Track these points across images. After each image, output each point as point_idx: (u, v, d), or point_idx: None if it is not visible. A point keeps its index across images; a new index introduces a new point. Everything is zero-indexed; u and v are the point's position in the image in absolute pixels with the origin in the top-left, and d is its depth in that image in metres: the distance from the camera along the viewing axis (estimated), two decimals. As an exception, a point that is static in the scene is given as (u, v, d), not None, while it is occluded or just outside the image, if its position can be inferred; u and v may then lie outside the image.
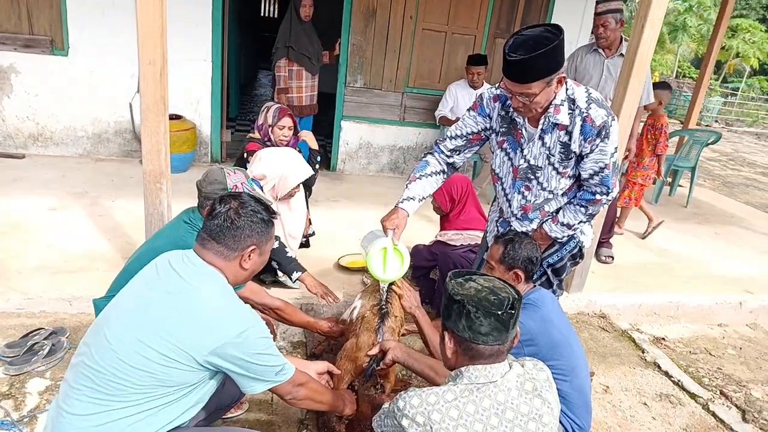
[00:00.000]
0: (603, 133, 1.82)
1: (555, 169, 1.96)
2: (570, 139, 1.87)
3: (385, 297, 2.09)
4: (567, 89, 1.85)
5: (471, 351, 1.28)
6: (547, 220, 2.10)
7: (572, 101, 1.84)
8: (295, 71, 4.41)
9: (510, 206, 2.15)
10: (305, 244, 3.32)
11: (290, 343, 2.59)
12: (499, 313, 1.26)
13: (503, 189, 2.14)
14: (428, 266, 2.95)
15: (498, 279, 1.40)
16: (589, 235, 2.18)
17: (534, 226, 2.13)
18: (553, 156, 1.93)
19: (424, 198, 2.10)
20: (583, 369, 1.86)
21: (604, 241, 3.84)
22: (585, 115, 1.82)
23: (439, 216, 2.98)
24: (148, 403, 1.31)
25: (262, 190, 2.64)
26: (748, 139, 15.11)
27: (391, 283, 2.05)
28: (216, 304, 1.34)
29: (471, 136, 2.08)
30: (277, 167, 2.74)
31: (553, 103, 1.83)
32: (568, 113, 1.84)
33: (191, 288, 1.34)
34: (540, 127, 1.91)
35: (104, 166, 4.52)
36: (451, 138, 2.11)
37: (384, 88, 5.18)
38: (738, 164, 10.27)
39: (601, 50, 3.55)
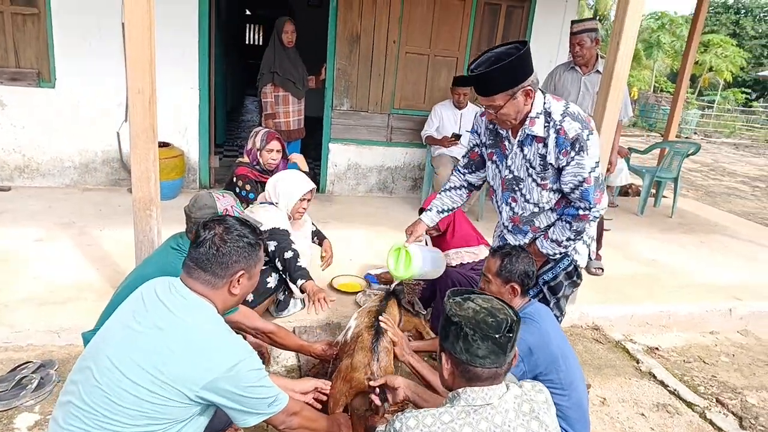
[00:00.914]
0: (577, 146, 1.86)
1: (534, 180, 2.02)
2: (547, 151, 1.93)
3: (378, 316, 2.09)
4: (545, 102, 1.91)
5: (468, 373, 1.27)
6: (539, 236, 2.14)
7: (548, 114, 1.90)
8: (281, 96, 4.47)
9: (501, 217, 2.24)
10: None
11: (284, 367, 2.56)
12: (497, 336, 1.25)
13: (496, 201, 2.24)
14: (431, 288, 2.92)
15: (497, 299, 1.38)
16: (584, 255, 2.19)
17: (527, 240, 2.17)
18: (533, 168, 1.99)
19: (442, 210, 2.34)
20: (581, 383, 1.86)
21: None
22: (558, 127, 1.88)
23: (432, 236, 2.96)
24: None
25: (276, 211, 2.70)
26: (726, 149, 15.48)
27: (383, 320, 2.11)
28: (206, 337, 1.30)
29: (470, 154, 2.26)
30: (278, 185, 2.78)
31: (529, 115, 1.90)
32: (544, 125, 1.90)
33: (179, 321, 1.30)
34: (518, 138, 1.99)
35: (92, 196, 4.50)
36: (462, 157, 2.34)
37: (370, 110, 5.26)
38: (719, 174, 10.49)
39: (578, 68, 3.66)
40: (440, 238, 2.90)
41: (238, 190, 3.05)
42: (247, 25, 13.90)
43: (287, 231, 2.63)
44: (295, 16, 5.39)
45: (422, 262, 2.21)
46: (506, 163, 2.08)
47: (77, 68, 4.42)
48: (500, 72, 1.78)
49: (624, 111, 3.65)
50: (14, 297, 2.76)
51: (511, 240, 2.21)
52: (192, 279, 1.38)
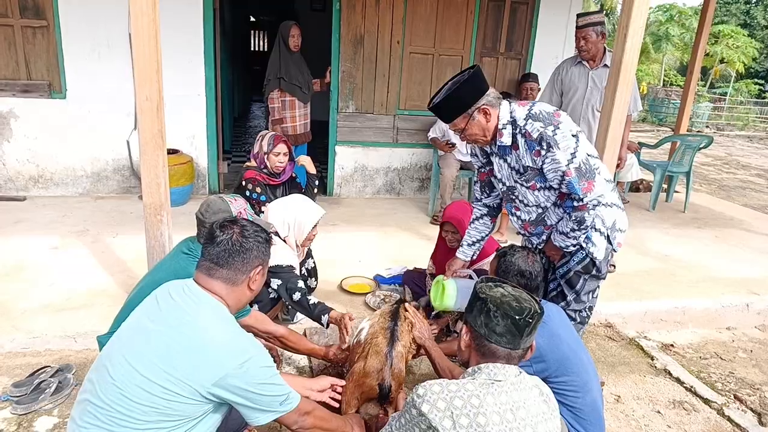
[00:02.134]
0: (544, 144, 1.93)
1: (522, 185, 2.11)
2: (521, 156, 2.02)
3: (396, 321, 2.09)
4: (511, 111, 2.00)
5: (483, 348, 1.34)
6: (552, 231, 2.18)
7: (513, 122, 1.99)
8: (288, 101, 4.49)
9: (516, 227, 2.34)
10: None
11: (295, 368, 2.58)
12: (517, 317, 1.32)
13: (509, 212, 2.32)
14: None
15: (527, 292, 1.44)
16: (600, 247, 2.16)
17: (545, 238, 2.23)
18: (518, 173, 2.08)
19: (473, 243, 2.40)
20: (595, 383, 1.85)
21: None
22: (524, 131, 1.96)
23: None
24: None
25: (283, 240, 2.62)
26: (740, 142, 15.25)
27: (403, 308, 2.21)
28: (217, 335, 1.33)
29: (479, 175, 2.35)
30: (287, 216, 2.67)
31: (497, 127, 2.00)
32: (512, 134, 1.99)
33: (192, 320, 1.34)
34: (494, 152, 2.11)
35: (104, 204, 4.56)
36: (474, 184, 2.48)
37: (376, 111, 5.27)
38: (733, 167, 10.34)
39: (585, 62, 3.62)
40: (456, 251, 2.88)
41: (248, 193, 3.07)
42: (252, 32, 13.99)
43: (291, 266, 2.52)
44: (299, 21, 5.39)
45: (455, 299, 2.25)
46: (497, 176, 2.18)
47: (87, 79, 4.49)
48: (452, 99, 1.94)
49: (633, 105, 3.61)
50: (32, 304, 2.81)
51: (535, 241, 2.28)
52: (209, 277, 1.41)
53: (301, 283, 2.46)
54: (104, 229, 3.94)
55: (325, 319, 2.33)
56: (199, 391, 1.29)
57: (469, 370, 1.37)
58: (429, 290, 2.50)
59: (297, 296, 2.42)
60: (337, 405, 1.87)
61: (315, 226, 2.71)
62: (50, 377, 2.23)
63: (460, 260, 2.41)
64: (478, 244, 2.41)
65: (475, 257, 2.47)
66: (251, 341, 1.39)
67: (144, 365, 1.29)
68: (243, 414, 1.39)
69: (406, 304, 2.25)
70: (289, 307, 2.74)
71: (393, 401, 1.96)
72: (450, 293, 2.23)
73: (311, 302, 2.39)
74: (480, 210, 2.40)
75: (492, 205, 2.39)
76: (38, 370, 2.30)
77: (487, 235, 2.42)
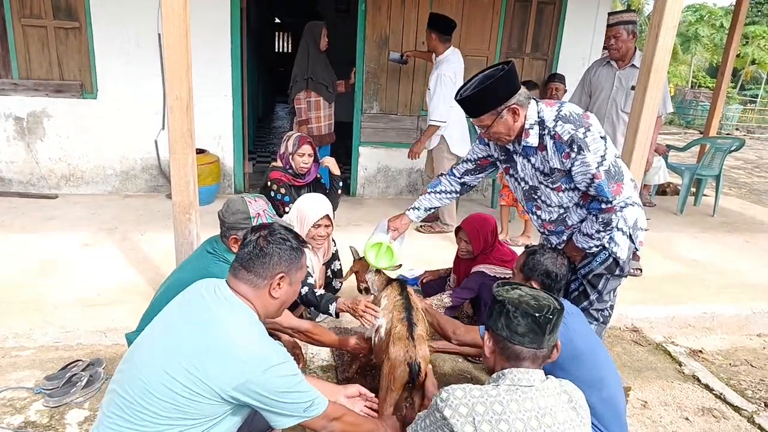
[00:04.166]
0: (575, 146, 1.89)
1: (547, 186, 2.08)
2: (549, 157, 1.98)
3: (410, 311, 2.13)
4: (539, 111, 1.96)
5: (507, 350, 1.32)
6: (574, 232, 2.16)
7: (542, 122, 1.95)
8: (313, 102, 4.52)
9: (535, 225, 2.32)
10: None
11: (320, 368, 2.60)
12: (537, 315, 1.30)
13: (529, 211, 2.29)
14: (468, 297, 2.86)
15: (545, 291, 1.44)
16: (624, 247, 2.13)
17: (565, 238, 2.21)
18: (543, 175, 2.05)
19: (428, 209, 2.47)
20: (613, 380, 1.82)
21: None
22: (553, 132, 1.93)
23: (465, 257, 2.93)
24: None
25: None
26: (772, 145, 14.77)
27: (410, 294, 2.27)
28: (243, 339, 1.33)
29: (479, 161, 2.34)
30: (291, 211, 2.72)
31: (524, 127, 1.97)
32: (540, 134, 1.96)
33: (219, 321, 1.34)
34: (519, 151, 2.07)
35: (132, 202, 4.67)
36: (464, 162, 2.40)
37: (399, 112, 5.27)
38: (764, 171, 10.03)
39: (613, 62, 3.57)
40: (470, 261, 2.88)
41: (273, 194, 3.10)
42: (276, 33, 14.15)
43: None
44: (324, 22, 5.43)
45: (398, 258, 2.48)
46: (520, 175, 2.16)
47: (117, 79, 4.60)
48: (483, 94, 1.89)
49: (663, 106, 3.54)
50: (64, 299, 2.90)
51: (554, 240, 2.26)
52: (236, 279, 1.43)
53: (309, 279, 2.46)
54: (133, 227, 4.03)
55: (332, 307, 2.33)
56: (220, 394, 1.30)
57: (494, 375, 1.35)
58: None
59: (303, 290, 2.40)
60: (376, 415, 1.84)
61: (319, 225, 2.66)
62: (81, 371, 2.29)
63: (409, 220, 2.47)
64: (431, 212, 2.51)
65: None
66: (276, 349, 1.38)
67: (169, 362, 1.30)
68: (265, 417, 1.39)
69: (410, 290, 2.28)
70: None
71: (421, 386, 1.97)
72: (395, 258, 2.44)
73: (318, 295, 2.40)
74: (453, 185, 2.42)
75: (469, 184, 2.42)
76: (70, 364, 2.36)
77: (436, 207, 2.49)
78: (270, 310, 1.46)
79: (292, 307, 2.61)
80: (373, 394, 1.89)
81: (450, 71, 4.05)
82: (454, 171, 2.41)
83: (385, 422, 1.74)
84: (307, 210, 2.66)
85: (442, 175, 2.49)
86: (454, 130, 4.21)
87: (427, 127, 4.17)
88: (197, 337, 1.32)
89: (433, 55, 4.23)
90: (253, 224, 2.01)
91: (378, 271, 2.49)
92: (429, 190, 2.46)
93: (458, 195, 2.46)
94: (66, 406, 2.17)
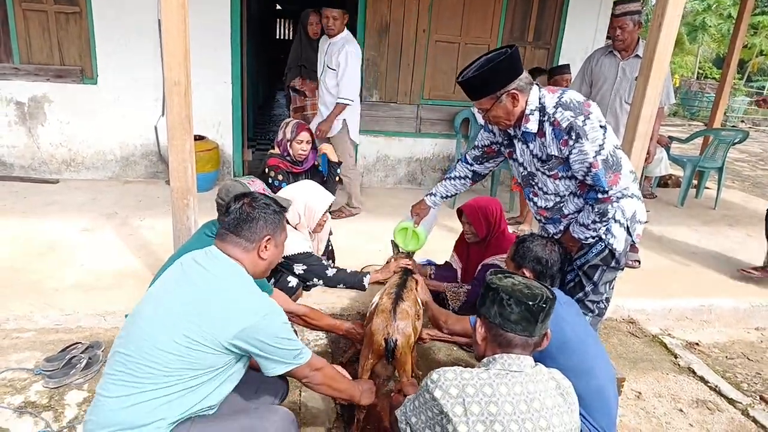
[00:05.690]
0: (573, 134, 1.89)
1: (544, 173, 2.08)
2: (547, 144, 1.98)
3: (401, 288, 2.20)
4: (540, 98, 1.95)
5: (499, 338, 1.34)
6: (572, 222, 2.16)
7: (542, 108, 1.95)
8: (308, 89, 4.50)
9: (532, 212, 2.33)
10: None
11: (316, 353, 2.61)
12: (530, 303, 1.32)
13: (526, 197, 2.30)
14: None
15: (537, 281, 1.45)
16: (620, 239, 2.12)
17: (561, 228, 2.21)
18: (540, 161, 2.05)
19: (445, 196, 2.54)
20: (603, 370, 1.81)
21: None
22: (552, 119, 1.92)
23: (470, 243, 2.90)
24: (177, 385, 1.38)
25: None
26: (777, 138, 14.66)
27: (412, 279, 2.35)
28: (238, 291, 1.44)
29: (485, 149, 2.34)
30: (297, 200, 2.67)
31: (524, 112, 1.96)
32: (540, 120, 1.96)
33: (215, 278, 1.44)
34: (517, 136, 2.07)
35: (132, 188, 4.67)
36: (472, 148, 2.41)
37: (399, 101, 5.24)
38: (768, 164, 9.97)
39: (616, 52, 3.53)
40: (479, 245, 2.86)
41: (270, 180, 3.10)
42: (278, 20, 14.02)
43: (308, 253, 2.58)
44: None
45: (426, 239, 2.65)
46: (519, 161, 2.17)
47: (117, 65, 4.58)
48: (483, 77, 1.89)
49: (665, 97, 3.51)
50: (64, 283, 2.92)
51: (551, 229, 2.26)
52: (225, 243, 1.52)
53: (325, 261, 2.58)
54: (132, 212, 4.04)
55: (366, 280, 2.53)
56: (222, 342, 1.38)
57: (484, 360, 1.37)
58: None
59: (331, 272, 2.54)
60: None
61: (325, 212, 2.73)
62: (81, 353, 2.32)
63: (428, 206, 2.57)
64: (448, 199, 2.58)
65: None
66: (268, 299, 1.49)
67: (170, 317, 1.39)
68: (260, 365, 1.50)
69: (416, 276, 2.38)
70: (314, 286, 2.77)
71: (401, 363, 2.00)
72: (422, 239, 2.61)
73: (347, 273, 2.55)
74: (466, 171, 2.45)
75: (480, 172, 2.44)
76: (69, 346, 2.39)
77: (459, 194, 2.57)
78: (258, 270, 1.56)
79: (290, 293, 2.62)
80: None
81: (357, 50, 3.99)
82: (467, 156, 2.44)
83: (361, 385, 1.84)
84: (315, 205, 2.67)
85: (458, 160, 2.53)
86: (356, 114, 4.17)
87: (335, 106, 4.03)
88: (195, 294, 1.42)
89: (326, 36, 4.08)
90: None
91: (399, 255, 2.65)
92: (446, 176, 2.52)
93: (472, 182, 2.48)
94: (65, 387, 2.20)
